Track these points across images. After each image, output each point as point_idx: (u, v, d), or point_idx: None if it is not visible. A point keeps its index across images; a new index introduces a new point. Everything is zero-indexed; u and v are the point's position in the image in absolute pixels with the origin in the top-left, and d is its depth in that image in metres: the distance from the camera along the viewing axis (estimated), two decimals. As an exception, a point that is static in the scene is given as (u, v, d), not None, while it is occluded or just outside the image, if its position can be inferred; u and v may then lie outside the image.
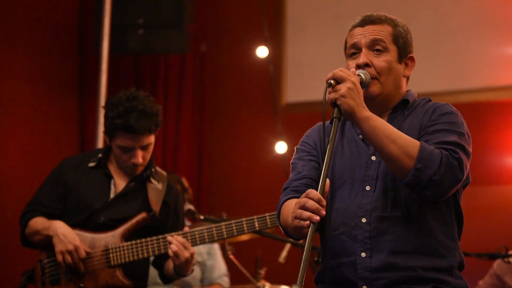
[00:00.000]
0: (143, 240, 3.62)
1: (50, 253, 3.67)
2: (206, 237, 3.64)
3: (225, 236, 3.66)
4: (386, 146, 2.39)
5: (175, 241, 3.54)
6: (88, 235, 3.64)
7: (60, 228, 3.60)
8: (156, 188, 3.76)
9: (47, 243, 3.65)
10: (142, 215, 3.67)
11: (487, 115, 5.76)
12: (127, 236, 3.65)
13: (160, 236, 3.63)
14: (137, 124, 3.62)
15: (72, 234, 3.59)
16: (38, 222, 3.69)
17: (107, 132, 3.74)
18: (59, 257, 3.57)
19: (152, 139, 3.73)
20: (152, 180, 3.78)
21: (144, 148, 3.71)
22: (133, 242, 3.62)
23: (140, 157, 3.69)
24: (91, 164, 3.80)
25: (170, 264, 3.67)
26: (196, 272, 5.16)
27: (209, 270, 5.23)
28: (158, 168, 3.89)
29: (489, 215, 5.53)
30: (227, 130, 6.77)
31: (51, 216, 3.71)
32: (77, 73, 6.66)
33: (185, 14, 5.81)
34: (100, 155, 3.80)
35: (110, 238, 3.64)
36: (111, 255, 3.62)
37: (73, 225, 3.67)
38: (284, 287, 4.58)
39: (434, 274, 2.46)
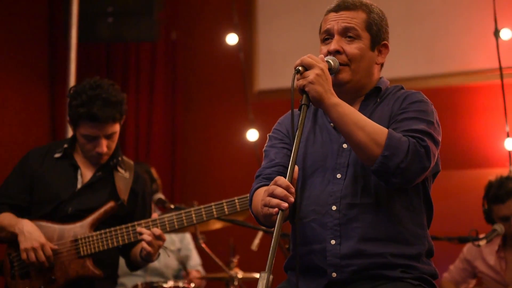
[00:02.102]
0: (112, 229, 3.60)
1: (18, 247, 3.63)
2: (175, 223, 3.63)
3: (194, 221, 3.64)
4: (354, 133, 2.39)
5: (146, 231, 3.52)
6: (57, 227, 3.61)
7: (25, 226, 3.57)
8: (123, 177, 3.74)
9: (12, 239, 3.62)
10: (110, 204, 3.65)
11: (458, 99, 5.79)
12: (96, 226, 3.63)
13: (129, 225, 3.61)
14: (101, 112, 3.59)
15: (38, 232, 3.56)
16: (6, 218, 3.65)
17: (71, 121, 3.72)
18: (23, 255, 3.54)
19: (116, 127, 3.70)
20: (119, 169, 3.76)
21: (109, 137, 3.68)
22: (102, 231, 3.60)
23: (104, 146, 3.67)
24: (57, 155, 3.77)
25: (136, 251, 3.66)
26: (171, 261, 5.15)
27: (184, 261, 5.23)
28: (125, 158, 3.86)
29: (460, 199, 5.57)
30: (199, 118, 6.75)
31: (19, 208, 3.69)
32: (47, 62, 6.61)
33: (155, 2, 5.77)
34: (65, 146, 3.77)
35: (79, 228, 3.62)
36: (80, 245, 3.59)
37: (41, 216, 3.65)
38: (257, 275, 4.58)
39: (403, 260, 2.47)
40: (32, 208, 3.69)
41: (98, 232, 3.61)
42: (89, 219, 3.63)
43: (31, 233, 3.55)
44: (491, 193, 4.50)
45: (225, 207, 3.64)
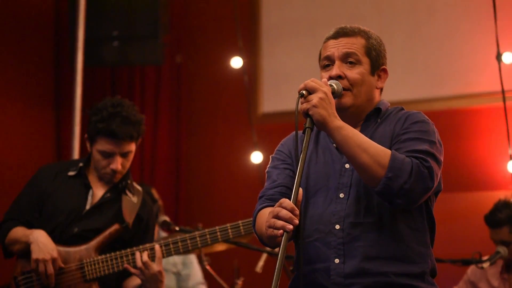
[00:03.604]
0: (117, 253, 3.61)
1: (26, 265, 3.63)
2: (180, 247, 3.65)
3: (199, 245, 3.67)
4: (358, 155, 2.42)
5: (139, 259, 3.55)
6: (62, 249, 3.61)
7: (40, 237, 3.57)
8: (130, 201, 3.75)
9: (26, 251, 3.61)
10: (115, 226, 3.66)
11: (461, 122, 5.83)
12: (101, 249, 3.64)
13: (134, 249, 3.62)
14: (119, 129, 3.64)
15: (52, 245, 3.56)
16: (19, 231, 3.67)
17: (89, 136, 3.74)
18: (33, 265, 3.54)
19: (133, 147, 3.73)
20: (128, 192, 3.77)
21: (124, 155, 3.71)
22: (108, 255, 3.61)
23: (119, 164, 3.69)
24: (71, 173, 3.79)
25: (135, 281, 3.67)
26: (170, 281, 5.15)
27: (184, 280, 5.20)
28: (134, 183, 3.88)
29: (463, 221, 5.58)
30: (204, 141, 6.78)
31: (30, 225, 3.69)
32: (53, 86, 6.65)
33: (160, 25, 5.81)
34: (81, 164, 3.79)
35: (84, 251, 3.62)
36: (86, 269, 3.60)
37: (47, 234, 3.65)
38: (261, 297, 4.59)
39: (406, 279, 2.49)
40: (40, 224, 3.70)
41: (103, 256, 3.61)
42: (94, 242, 3.64)
43: (45, 244, 3.56)
44: (486, 215, 4.55)
45: (230, 231, 3.66)
